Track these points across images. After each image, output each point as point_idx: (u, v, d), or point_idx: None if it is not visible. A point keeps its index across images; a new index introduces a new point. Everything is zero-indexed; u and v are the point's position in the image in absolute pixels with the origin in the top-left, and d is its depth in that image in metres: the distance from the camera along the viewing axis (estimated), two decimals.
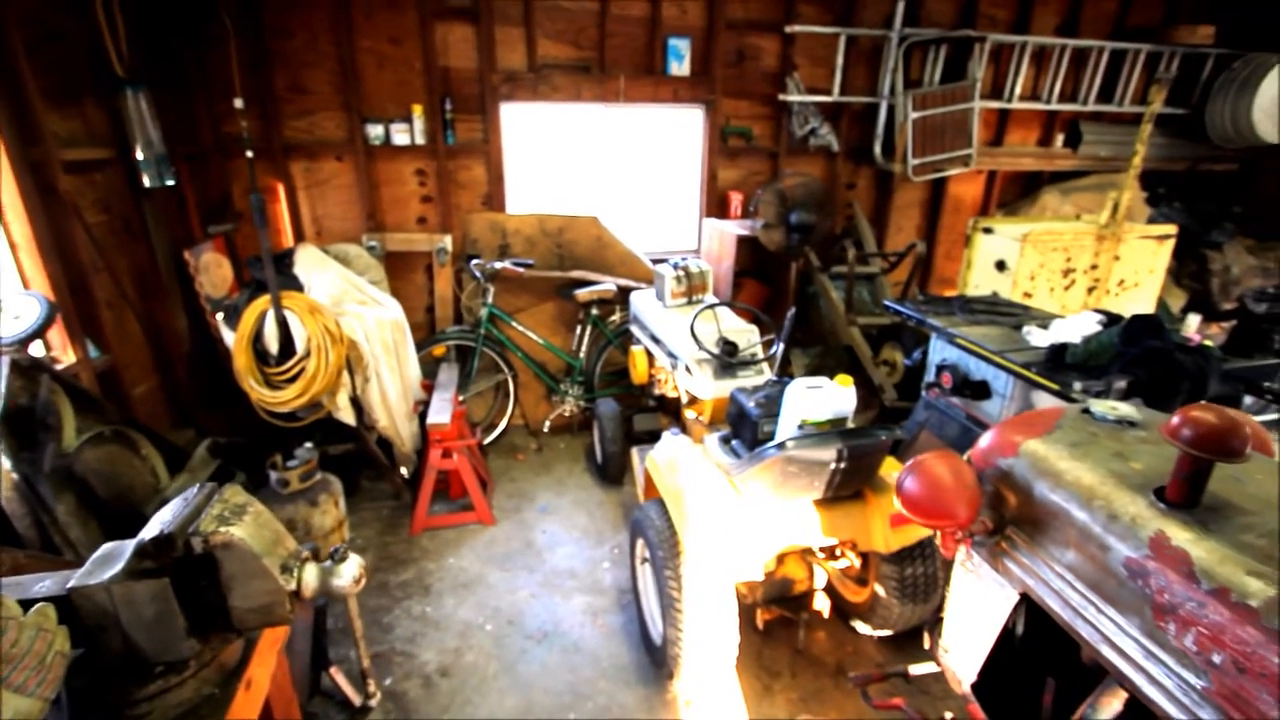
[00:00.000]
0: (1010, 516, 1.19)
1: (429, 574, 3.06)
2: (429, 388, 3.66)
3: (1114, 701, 1.04)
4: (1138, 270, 3.45)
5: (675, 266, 3.34)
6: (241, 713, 1.06)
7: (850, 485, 2.17)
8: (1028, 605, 1.21)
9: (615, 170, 4.66)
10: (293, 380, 3.04)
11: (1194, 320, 4.45)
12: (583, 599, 2.89)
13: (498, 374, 4.23)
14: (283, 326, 3.03)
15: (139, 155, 3.16)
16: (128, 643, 0.98)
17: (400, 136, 4.13)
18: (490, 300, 4.06)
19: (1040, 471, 1.14)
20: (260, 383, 3.06)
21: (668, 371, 3.19)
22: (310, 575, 1.06)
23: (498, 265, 3.95)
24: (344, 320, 3.26)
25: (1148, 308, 3.54)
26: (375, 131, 4.09)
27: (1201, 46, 4.83)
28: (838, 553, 2.44)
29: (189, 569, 0.99)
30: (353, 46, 3.93)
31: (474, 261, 4.05)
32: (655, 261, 3.82)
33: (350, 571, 1.08)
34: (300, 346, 3.05)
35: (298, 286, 3.38)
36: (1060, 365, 2.17)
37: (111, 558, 0.99)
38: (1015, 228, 3.29)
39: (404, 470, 3.70)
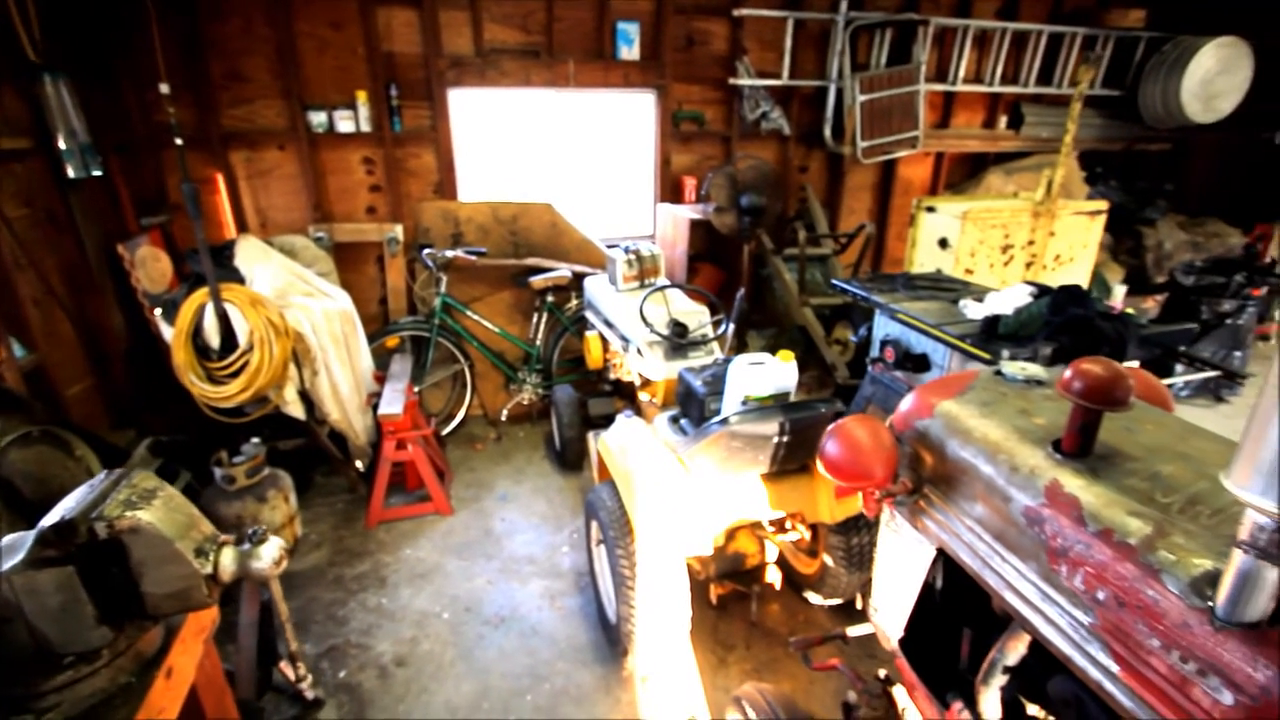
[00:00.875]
0: (927, 475, 1.23)
1: (385, 566, 3.03)
2: (382, 379, 3.60)
3: (1019, 645, 1.09)
4: (1072, 245, 3.59)
5: (627, 250, 3.34)
6: (161, 701, 1.04)
7: (795, 459, 2.22)
8: (945, 561, 1.26)
9: (569, 156, 4.63)
10: (236, 375, 2.96)
11: (1120, 291, 4.64)
12: (541, 583, 2.90)
13: (454, 364, 4.19)
14: (223, 320, 2.94)
15: (61, 145, 3.02)
16: (34, 634, 0.95)
17: (345, 124, 4.03)
18: (444, 290, 4.01)
19: (952, 430, 1.18)
20: (202, 378, 2.97)
21: (621, 355, 3.20)
22: (227, 559, 1.04)
23: (450, 254, 3.90)
24: (289, 312, 3.19)
25: (1083, 281, 3.68)
26: (318, 119, 3.98)
27: (1133, 30, 5.01)
28: (787, 526, 2.49)
29: (96, 556, 0.97)
30: (291, 31, 3.81)
31: (426, 251, 3.99)
32: (610, 247, 3.82)
33: (269, 553, 1.06)
34: (243, 340, 2.97)
35: (239, 279, 3.28)
36: (993, 336, 2.24)
37: (13, 548, 0.96)
38: (956, 206, 3.39)
39: (359, 463, 3.64)
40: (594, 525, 2.57)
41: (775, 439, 2.07)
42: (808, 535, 2.53)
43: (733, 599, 2.66)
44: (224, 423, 3.07)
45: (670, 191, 4.72)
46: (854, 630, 1.69)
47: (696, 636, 2.54)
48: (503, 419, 4.30)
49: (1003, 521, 1.06)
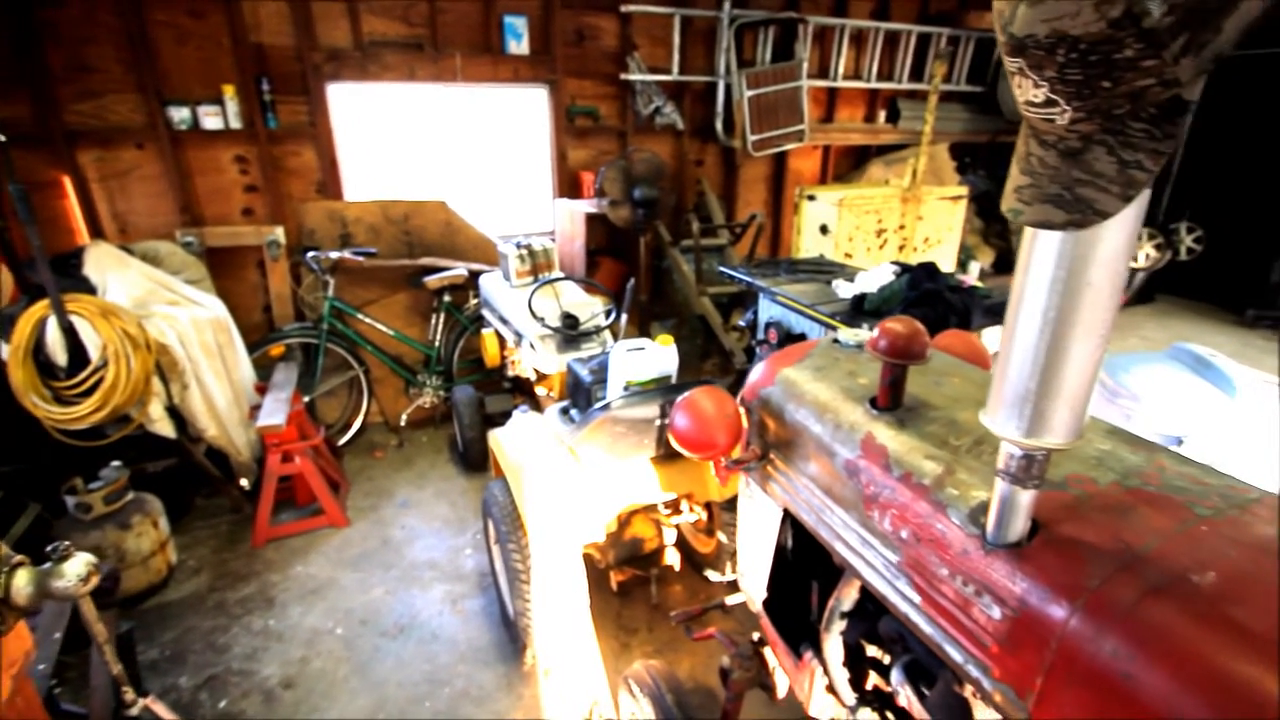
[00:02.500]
0: (771, 441, 1.29)
1: (273, 586, 2.86)
2: (264, 390, 3.39)
3: (852, 591, 1.17)
4: (939, 228, 3.87)
5: (518, 245, 3.31)
6: None
7: None
8: (793, 521, 1.33)
9: (463, 153, 4.52)
10: (89, 393, 2.71)
11: (974, 267, 5.04)
12: (442, 588, 2.83)
13: (348, 371, 4.01)
14: (70, 334, 2.69)
15: None
16: None
17: (211, 120, 3.76)
18: (331, 293, 3.82)
19: (790, 395, 1.25)
20: (47, 399, 2.70)
21: (517, 351, 3.17)
22: (22, 580, 0.95)
23: (335, 255, 3.72)
24: (151, 323, 2.95)
25: (949, 260, 3.98)
26: (180, 115, 3.70)
27: (990, 30, 5.44)
28: (682, 508, 2.54)
29: None
30: (143, 19, 3.51)
31: (311, 254, 3.80)
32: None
33: (74, 570, 0.98)
34: (94, 355, 2.72)
35: (89, 289, 3.00)
36: (860, 312, 2.38)
37: None
38: (833, 194, 3.58)
39: (244, 481, 3.42)
40: (490, 522, 2.53)
41: (658, 422, 2.11)
42: (704, 515, 2.59)
43: (634, 584, 2.69)
44: (82, 446, 2.81)
45: (568, 187, 4.71)
46: (732, 599, 1.75)
47: (599, 624, 2.55)
48: (403, 424, 4.15)
49: (830, 477, 1.12)
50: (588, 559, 2.41)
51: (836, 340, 1.37)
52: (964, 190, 4.05)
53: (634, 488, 2.25)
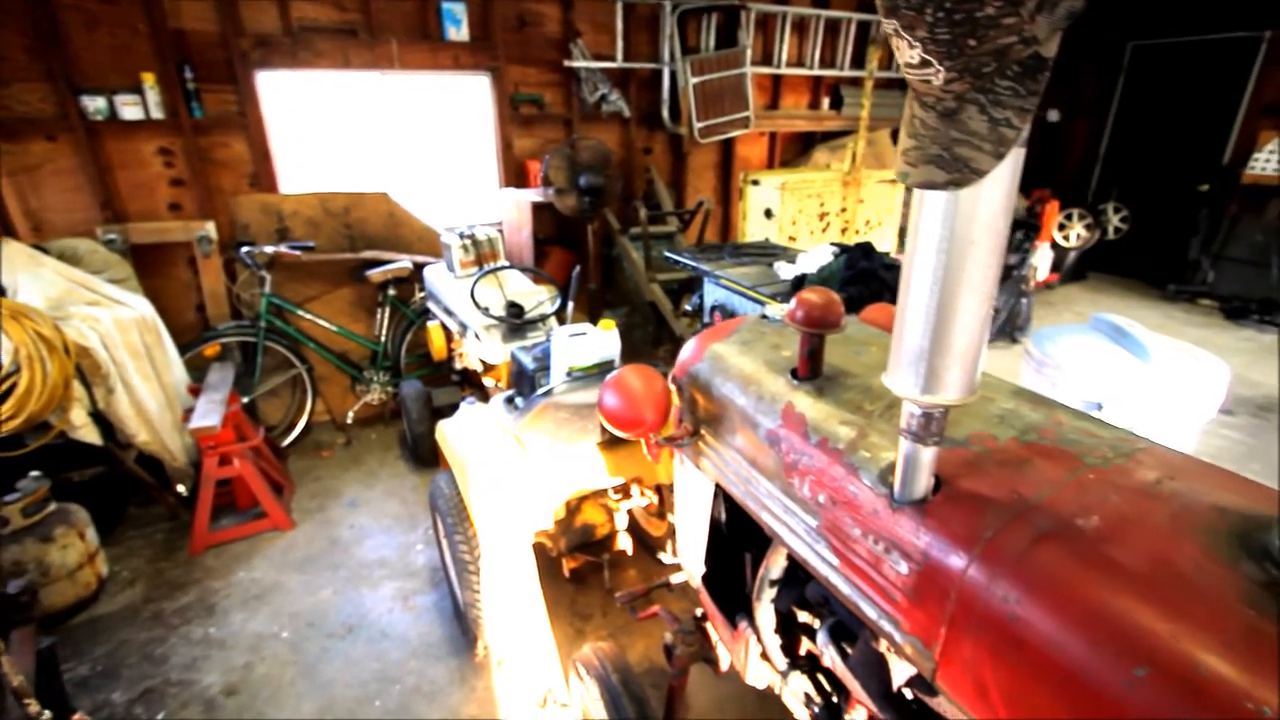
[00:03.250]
0: (701, 417, 1.30)
1: (213, 593, 2.76)
2: (198, 392, 3.26)
3: (779, 559, 1.19)
4: (879, 210, 3.97)
5: (461, 235, 3.25)
6: None
7: None
8: (725, 495, 1.35)
9: (406, 143, 4.41)
10: (1, 400, 2.55)
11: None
12: (393, 585, 2.78)
13: (290, 369, 3.88)
14: None
15: None
16: None
17: (130, 110, 3.57)
18: (269, 290, 3.69)
19: (717, 369, 1.26)
20: None
21: (463, 343, 3.12)
22: None
23: (271, 250, 3.59)
24: (69, 325, 2.80)
25: (890, 242, 4.09)
26: (95, 105, 3.50)
27: None
28: (632, 492, 2.55)
29: None
30: (48, 2, 3.30)
31: (245, 249, 3.65)
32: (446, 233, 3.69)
33: None
34: (5, 360, 2.56)
35: None
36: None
37: None
38: (776, 178, 3.62)
39: (180, 488, 3.28)
40: (437, 516, 2.49)
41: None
42: (655, 499, 2.60)
43: (587, 571, 2.69)
44: None
45: (515, 176, 4.65)
46: (677, 577, 1.77)
47: (553, 612, 2.54)
48: (349, 422, 4.05)
49: (755, 447, 1.14)
50: (539, 547, 2.40)
51: (765, 316, 1.39)
52: None
53: (581, 473, 2.24)
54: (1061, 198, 6.29)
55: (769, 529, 1.13)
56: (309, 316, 3.88)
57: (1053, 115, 6.20)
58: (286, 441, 3.88)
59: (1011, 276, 4.52)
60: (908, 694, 0.98)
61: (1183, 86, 6.30)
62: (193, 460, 3.32)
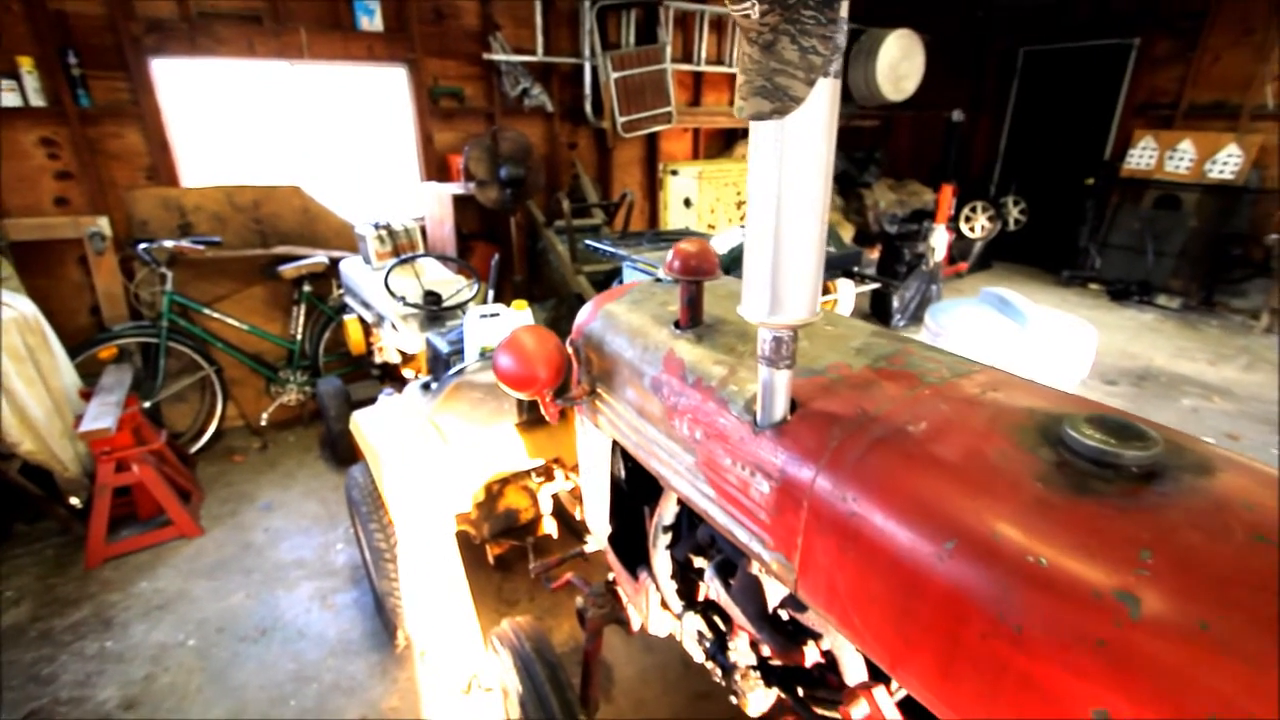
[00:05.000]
0: (596, 375, 1.34)
1: (111, 606, 2.59)
2: (90, 395, 3.05)
3: (670, 504, 1.24)
4: None
5: (377, 226, 3.18)
6: None
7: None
8: (623, 453, 1.38)
9: (322, 136, 4.27)
10: None
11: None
12: (311, 585, 2.68)
13: (198, 371, 3.68)
14: None
15: None
16: None
17: (7, 97, 3.31)
18: (170, 288, 3.49)
19: (609, 326, 1.29)
20: None
21: (381, 335, 3.05)
22: None
23: (171, 244, 3.40)
24: None
25: None
26: None
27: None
28: (556, 475, 2.55)
29: None
30: None
31: (143, 245, 3.45)
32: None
33: None
34: None
35: None
36: None
37: None
38: (694, 168, 3.72)
39: (74, 499, 3.06)
40: (352, 508, 2.43)
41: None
42: (578, 481, 2.62)
43: (513, 556, 2.67)
44: None
45: (436, 170, 4.58)
46: (591, 546, 1.79)
47: (479, 599, 2.52)
48: (264, 424, 3.88)
49: (641, 396, 1.18)
50: (462, 535, 2.37)
51: (658, 279, 1.44)
52: None
53: (499, 455, 2.24)
54: (968, 192, 6.71)
55: (657, 474, 1.17)
56: (218, 316, 3.70)
57: (957, 115, 6.58)
58: (195, 448, 3.68)
59: (920, 265, 4.79)
60: (784, 615, 1.04)
61: (1069, 89, 6.83)
62: (87, 470, 3.11)
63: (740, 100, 0.76)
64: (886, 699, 0.79)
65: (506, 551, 2.59)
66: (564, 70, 4.88)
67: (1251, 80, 5.65)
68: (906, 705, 0.88)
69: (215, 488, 3.39)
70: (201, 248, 3.46)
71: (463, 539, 2.35)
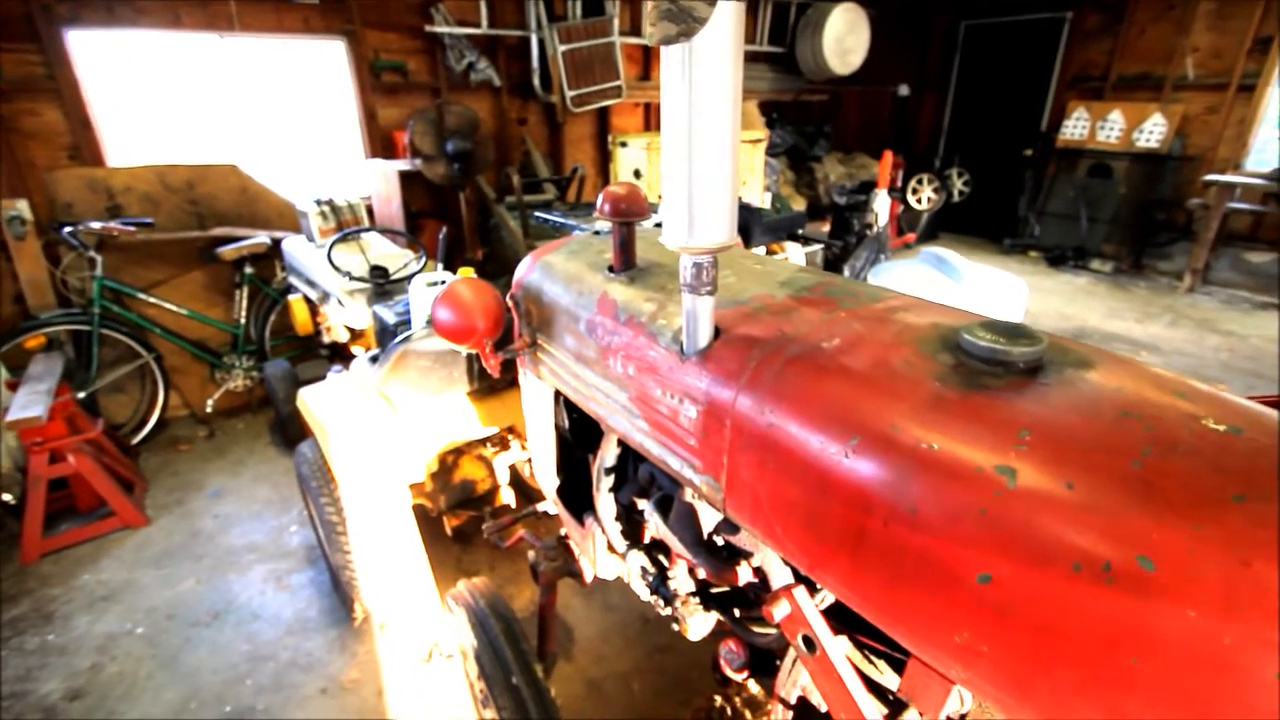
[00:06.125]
0: (536, 325, 1.35)
1: (51, 601, 2.50)
2: (17, 386, 2.91)
3: (611, 446, 1.26)
4: (742, 170, 4.18)
5: (319, 202, 3.10)
6: None
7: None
8: (567, 403, 1.40)
9: (261, 114, 4.11)
10: None
11: (767, 197, 5.48)
12: (264, 568, 2.64)
13: (135, 359, 3.54)
14: None
15: None
16: None
17: None
18: (101, 273, 3.34)
19: (546, 276, 1.30)
20: None
21: (328, 313, 2.99)
22: None
23: (98, 226, 3.25)
24: None
25: (757, 201, 4.32)
26: None
27: None
28: (512, 445, 2.56)
29: None
30: None
31: (68, 229, 3.28)
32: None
33: None
34: None
35: None
36: None
37: None
38: (642, 139, 3.72)
39: (7, 496, 2.93)
40: (303, 485, 2.39)
41: (465, 353, 2.10)
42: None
43: (472, 528, 2.68)
44: None
45: (382, 147, 4.47)
46: (544, 505, 1.81)
47: (439, 571, 2.52)
48: (209, 410, 3.76)
49: (579, 341, 1.20)
50: (419, 508, 2.37)
51: (596, 232, 1.45)
52: (763, 134, 4.40)
53: (451, 424, 2.23)
54: (914, 165, 6.87)
55: (596, 416, 1.20)
56: (154, 301, 3.56)
57: (903, 90, 6.73)
58: (138, 439, 3.55)
59: (870, 235, 4.91)
60: (719, 542, 1.08)
61: (1008, 62, 7.04)
62: (18, 464, 2.97)
63: (649, 27, 0.78)
64: (806, 598, 0.84)
65: (465, 523, 2.58)
66: (510, 43, 4.79)
67: (1173, 53, 5.92)
68: (834, 615, 0.93)
69: (161, 477, 3.29)
70: (132, 229, 3.31)
71: (420, 512, 2.35)
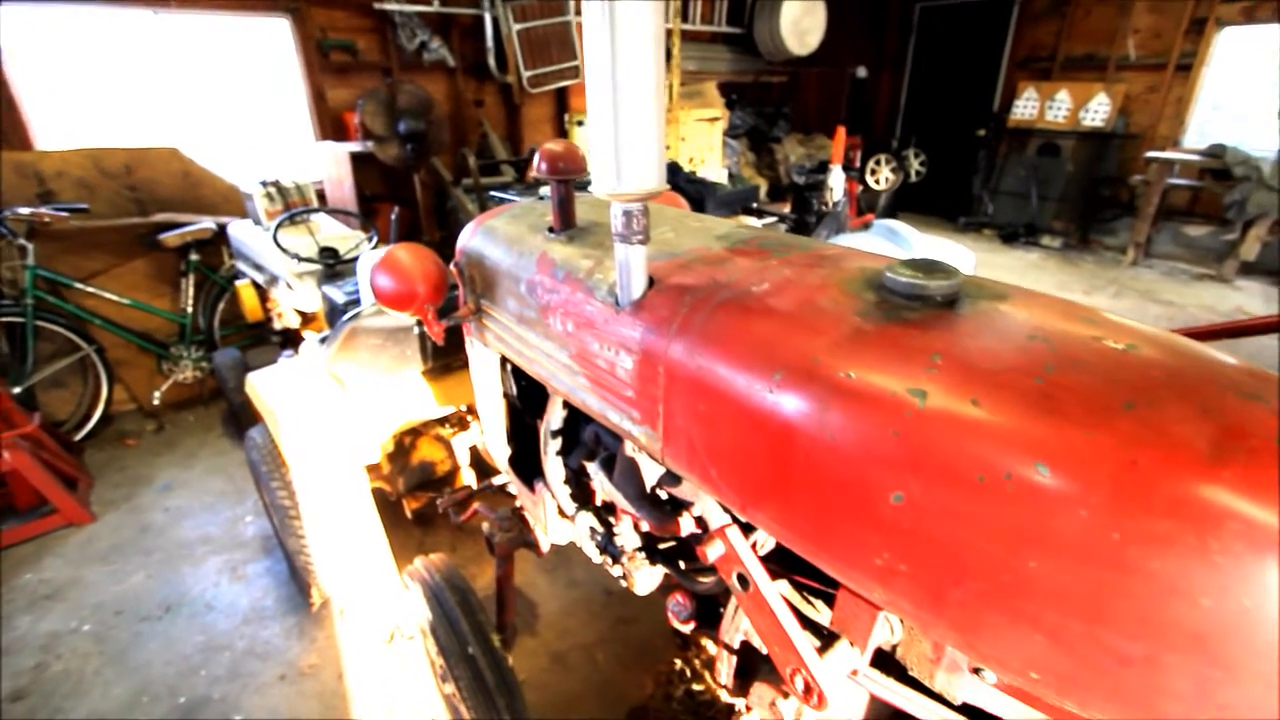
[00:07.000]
0: (479, 292, 1.33)
1: None
2: None
3: (556, 408, 1.26)
4: (701, 148, 4.19)
5: (264, 184, 3.00)
6: None
7: (453, 353, 2.25)
8: (514, 369, 1.39)
9: (204, 95, 3.96)
10: None
11: (724, 174, 5.52)
12: (219, 559, 2.58)
13: (75, 352, 3.40)
14: None
15: None
16: None
17: None
18: (33, 261, 3.19)
19: (488, 241, 1.29)
20: None
21: (277, 298, 2.91)
22: None
23: (25, 212, 3.09)
24: None
25: (716, 178, 4.35)
26: None
27: None
28: (470, 424, 2.53)
29: None
30: None
31: None
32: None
33: None
34: None
35: None
36: None
37: None
38: None
39: None
40: (254, 471, 2.34)
41: (417, 331, 2.07)
42: None
43: (433, 511, 2.65)
44: None
45: (332, 129, 4.35)
46: (500, 479, 1.80)
47: (400, 554, 2.49)
48: (157, 403, 3.63)
49: (520, 303, 1.19)
50: (378, 492, 2.33)
51: (541, 197, 1.44)
52: (717, 112, 4.40)
53: (406, 404, 2.20)
54: (872, 145, 6.97)
55: (540, 378, 1.19)
56: (94, 291, 3.42)
57: (861, 72, 6.81)
58: (81, 435, 3.41)
59: (830, 214, 4.96)
60: (663, 496, 1.09)
61: (961, 44, 7.16)
62: None
63: None
64: (739, 536, 0.85)
65: (425, 506, 2.56)
66: (464, 22, 4.70)
67: (1116, 33, 6.10)
68: (774, 560, 0.95)
69: (107, 473, 3.18)
70: (65, 215, 3.16)
71: (379, 495, 2.31)
